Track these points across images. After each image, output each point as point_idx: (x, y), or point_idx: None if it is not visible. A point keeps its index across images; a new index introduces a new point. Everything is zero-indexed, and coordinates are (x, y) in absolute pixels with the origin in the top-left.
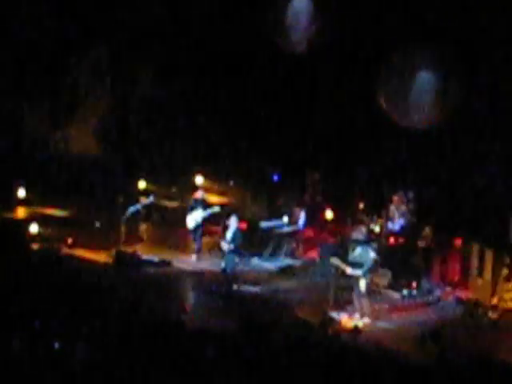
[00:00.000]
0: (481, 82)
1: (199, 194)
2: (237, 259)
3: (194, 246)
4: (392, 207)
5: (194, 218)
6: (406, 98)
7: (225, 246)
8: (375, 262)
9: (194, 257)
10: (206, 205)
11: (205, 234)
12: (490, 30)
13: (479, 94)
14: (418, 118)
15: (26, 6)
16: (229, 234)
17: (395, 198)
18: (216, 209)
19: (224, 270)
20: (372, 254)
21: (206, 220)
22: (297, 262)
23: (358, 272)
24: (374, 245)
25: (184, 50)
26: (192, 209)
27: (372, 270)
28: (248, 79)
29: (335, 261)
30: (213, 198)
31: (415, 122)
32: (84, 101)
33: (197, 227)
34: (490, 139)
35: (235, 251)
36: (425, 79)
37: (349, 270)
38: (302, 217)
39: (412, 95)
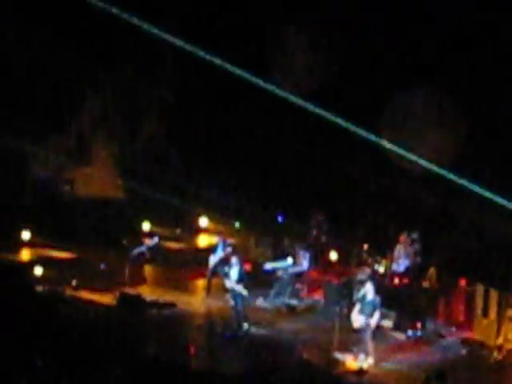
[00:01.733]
0: (482, 121)
1: (219, 237)
2: (244, 298)
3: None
4: (398, 247)
5: (214, 259)
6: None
7: (229, 284)
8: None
9: (203, 295)
10: (225, 246)
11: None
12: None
13: (482, 133)
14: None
15: (35, 47)
16: (235, 274)
17: (402, 237)
18: (229, 249)
19: (234, 308)
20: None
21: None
22: (301, 303)
23: (366, 319)
24: (374, 285)
25: (191, 92)
26: (214, 250)
27: (375, 311)
28: (254, 122)
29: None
30: (217, 240)
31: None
32: (89, 144)
33: (215, 266)
34: (494, 179)
35: (241, 291)
36: (428, 117)
37: (356, 323)
38: (306, 258)
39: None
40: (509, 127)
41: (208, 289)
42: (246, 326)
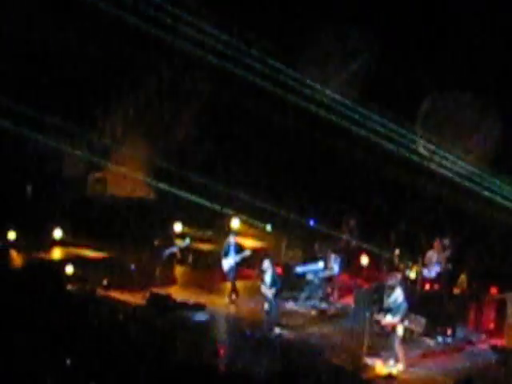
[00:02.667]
0: None
1: (231, 239)
2: (277, 303)
3: (229, 288)
4: (430, 253)
5: (228, 262)
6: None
7: (264, 289)
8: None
9: (227, 299)
10: (238, 249)
11: (240, 277)
12: None
13: None
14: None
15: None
16: (268, 279)
17: (434, 243)
18: (247, 252)
19: (268, 313)
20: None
21: (239, 264)
22: (331, 307)
23: (394, 319)
24: (404, 291)
25: (227, 93)
26: (226, 253)
27: (404, 316)
28: (291, 127)
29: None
30: (248, 242)
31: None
32: (122, 143)
33: (230, 270)
34: None
35: (275, 295)
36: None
37: (383, 321)
38: (337, 262)
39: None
40: None
41: (231, 292)
42: (277, 330)
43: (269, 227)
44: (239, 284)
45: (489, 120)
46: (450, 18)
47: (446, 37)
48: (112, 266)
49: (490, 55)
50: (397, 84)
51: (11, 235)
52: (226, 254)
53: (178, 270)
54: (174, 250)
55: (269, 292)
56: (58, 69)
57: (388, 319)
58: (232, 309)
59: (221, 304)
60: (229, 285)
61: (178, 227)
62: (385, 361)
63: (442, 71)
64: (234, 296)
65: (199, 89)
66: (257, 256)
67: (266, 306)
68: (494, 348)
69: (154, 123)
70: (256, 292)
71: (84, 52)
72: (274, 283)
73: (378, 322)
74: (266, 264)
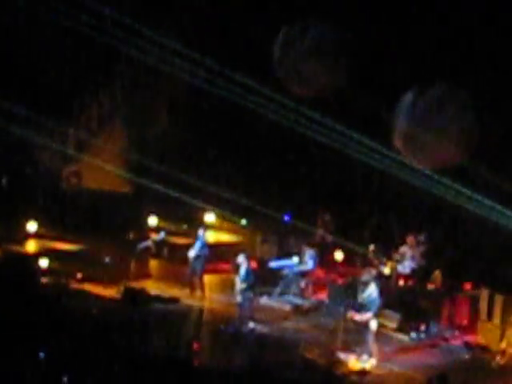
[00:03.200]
0: (494, 123)
1: (200, 232)
2: (251, 297)
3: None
4: (404, 249)
5: (190, 255)
6: (422, 138)
7: (239, 283)
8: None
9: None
10: (205, 243)
11: (214, 271)
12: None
13: (491, 135)
14: (433, 158)
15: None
16: (242, 273)
17: (409, 239)
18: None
19: (240, 306)
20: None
21: (204, 257)
22: (306, 302)
23: (368, 314)
24: (378, 286)
25: (199, 92)
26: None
27: (378, 311)
28: (263, 120)
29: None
30: (223, 237)
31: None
32: (98, 136)
33: (196, 263)
34: (501, 181)
35: (248, 289)
36: (439, 119)
37: (357, 317)
38: (312, 257)
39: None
40: None
41: (200, 285)
42: (251, 324)
43: (244, 222)
44: (214, 278)
45: (466, 115)
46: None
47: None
48: (86, 260)
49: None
50: (369, 82)
51: None
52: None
53: (153, 264)
54: (149, 243)
55: (240, 286)
56: (33, 61)
57: (360, 315)
58: (206, 303)
59: (195, 298)
60: (206, 278)
61: (153, 221)
62: (358, 356)
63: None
64: (192, 290)
65: (175, 82)
66: (232, 250)
67: (239, 299)
68: (467, 344)
69: (129, 116)
70: (231, 286)
71: (60, 43)
72: (246, 277)
73: (352, 318)
74: (241, 258)
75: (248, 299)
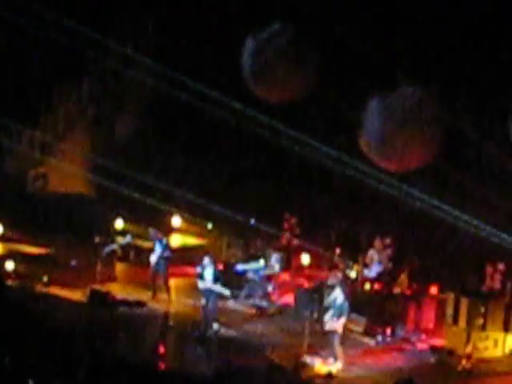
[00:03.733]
0: (464, 124)
1: (158, 235)
2: (216, 299)
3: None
4: (370, 252)
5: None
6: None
7: (203, 285)
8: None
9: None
10: (165, 245)
11: (180, 275)
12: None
13: (461, 136)
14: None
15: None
16: (209, 275)
17: (375, 243)
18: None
19: (204, 308)
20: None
21: (167, 259)
22: (272, 306)
23: (341, 320)
24: (344, 290)
25: (166, 95)
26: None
27: (342, 315)
28: (227, 126)
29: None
30: (189, 240)
31: (397, 165)
32: (64, 139)
33: (158, 266)
34: (470, 184)
35: (221, 289)
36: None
37: (328, 324)
38: (278, 260)
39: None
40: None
41: (153, 288)
42: (216, 326)
43: (210, 225)
44: (180, 281)
45: (433, 117)
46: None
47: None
48: (52, 263)
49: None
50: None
51: None
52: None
53: (119, 267)
54: (115, 246)
55: (214, 287)
56: None
57: (329, 319)
58: (172, 306)
59: (161, 301)
60: (172, 281)
61: (119, 224)
62: (324, 360)
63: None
64: (155, 293)
65: (141, 85)
66: (198, 254)
67: (203, 301)
68: (433, 348)
69: (95, 119)
70: (196, 289)
71: (27, 46)
72: (216, 279)
73: (318, 318)
74: (206, 260)
75: (213, 301)
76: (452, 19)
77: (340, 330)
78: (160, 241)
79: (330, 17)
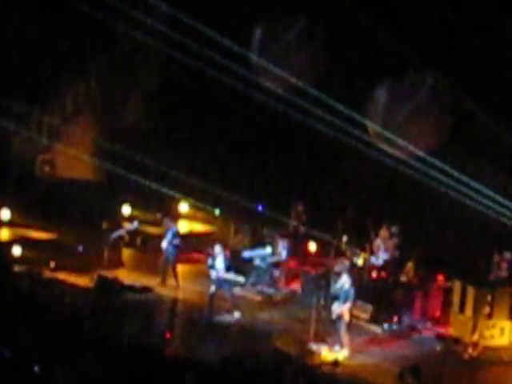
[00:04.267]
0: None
1: (170, 222)
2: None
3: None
4: (377, 240)
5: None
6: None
7: (216, 274)
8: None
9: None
10: (176, 232)
11: (188, 261)
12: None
13: (467, 128)
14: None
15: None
16: (220, 264)
17: (380, 232)
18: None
19: (212, 296)
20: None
21: (177, 247)
22: (279, 293)
23: (345, 306)
24: (351, 277)
25: (173, 81)
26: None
27: (349, 301)
28: (235, 112)
29: None
30: (197, 226)
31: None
32: (72, 124)
33: (168, 254)
34: (475, 175)
35: (235, 277)
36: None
37: (338, 309)
38: (285, 247)
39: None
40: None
41: (173, 274)
42: (237, 314)
43: (217, 211)
44: (188, 268)
45: (437, 105)
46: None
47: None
48: (60, 248)
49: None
50: (346, 70)
51: None
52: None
53: (126, 253)
54: (122, 232)
55: (228, 276)
56: (7, 47)
57: (336, 307)
58: (179, 292)
59: (168, 287)
60: (179, 268)
61: (126, 210)
62: (330, 347)
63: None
64: (169, 280)
65: (150, 69)
66: (205, 240)
67: (212, 289)
68: (439, 336)
69: (103, 104)
70: (204, 276)
71: (35, 31)
72: (229, 267)
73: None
74: (218, 249)
75: (229, 289)
76: (461, 5)
77: (346, 317)
78: (171, 229)
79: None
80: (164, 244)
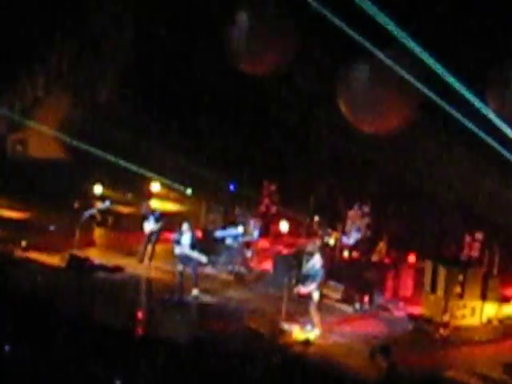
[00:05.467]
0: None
1: (149, 204)
2: (195, 265)
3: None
4: (349, 220)
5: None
6: (365, 103)
7: (180, 250)
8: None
9: (146, 262)
10: (157, 217)
11: (159, 241)
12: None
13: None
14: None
15: None
16: (187, 241)
17: (352, 212)
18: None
19: (180, 274)
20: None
21: (159, 231)
22: (250, 272)
23: (312, 286)
24: (323, 257)
25: (146, 59)
26: (146, 217)
27: (318, 281)
28: (207, 91)
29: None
30: (168, 205)
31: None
32: (43, 104)
33: (151, 237)
34: (447, 155)
35: (198, 255)
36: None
37: (302, 290)
38: (256, 227)
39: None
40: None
41: (149, 255)
42: (195, 292)
43: (189, 191)
44: (159, 247)
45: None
46: None
47: None
48: (31, 228)
49: None
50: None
51: None
52: (148, 218)
53: (98, 232)
54: (94, 212)
55: (192, 254)
56: None
57: (305, 287)
58: (151, 272)
59: (140, 267)
60: (149, 248)
61: (98, 189)
62: (302, 327)
63: None
64: (148, 260)
65: (121, 47)
66: (177, 220)
67: (179, 267)
68: (410, 316)
69: (75, 83)
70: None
71: (1, 8)
72: (194, 245)
73: (298, 293)
74: (185, 227)
75: (193, 267)
76: None
77: (316, 297)
78: (153, 214)
79: None
80: (147, 228)
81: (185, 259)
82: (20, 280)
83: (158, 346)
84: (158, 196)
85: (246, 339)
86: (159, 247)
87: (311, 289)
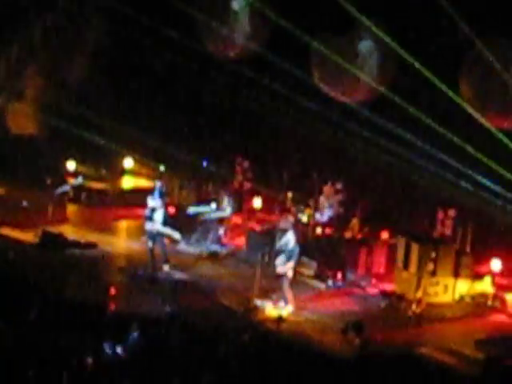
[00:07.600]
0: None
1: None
2: (164, 241)
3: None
4: (322, 197)
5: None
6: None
7: (151, 226)
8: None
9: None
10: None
11: (131, 216)
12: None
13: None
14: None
15: None
16: (159, 217)
17: (326, 188)
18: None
19: (151, 251)
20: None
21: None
22: (223, 249)
23: (289, 264)
24: (296, 234)
25: (120, 36)
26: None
27: (291, 259)
28: (182, 67)
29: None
30: (141, 182)
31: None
32: (15, 79)
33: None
34: (419, 130)
35: (171, 232)
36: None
37: (280, 269)
38: (230, 203)
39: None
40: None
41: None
42: (166, 268)
43: (162, 167)
44: (132, 223)
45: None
46: None
47: None
48: (4, 204)
49: None
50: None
51: None
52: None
53: (71, 209)
54: (67, 188)
55: (164, 230)
56: None
57: (280, 263)
58: (123, 248)
59: (112, 243)
60: (123, 223)
61: (70, 165)
62: (275, 303)
63: None
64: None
65: (96, 23)
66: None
67: (150, 243)
68: (383, 292)
69: (47, 59)
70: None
71: None
72: (166, 222)
73: (269, 261)
74: (158, 203)
75: (162, 243)
76: None
77: (290, 273)
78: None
79: None
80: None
81: (155, 235)
82: None
83: (131, 322)
84: (131, 172)
85: (218, 316)
86: (131, 223)
87: (288, 267)
